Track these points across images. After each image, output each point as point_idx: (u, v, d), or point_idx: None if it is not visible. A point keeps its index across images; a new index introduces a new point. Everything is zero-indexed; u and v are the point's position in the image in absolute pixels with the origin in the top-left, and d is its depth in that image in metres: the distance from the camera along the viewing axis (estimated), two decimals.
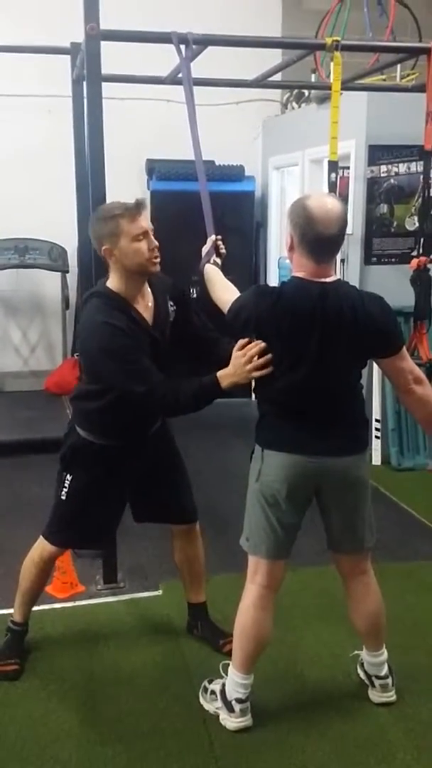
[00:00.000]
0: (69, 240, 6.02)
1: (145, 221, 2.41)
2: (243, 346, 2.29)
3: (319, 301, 2.22)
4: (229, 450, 5.16)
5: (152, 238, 2.43)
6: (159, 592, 3.31)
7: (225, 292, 2.47)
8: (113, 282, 2.47)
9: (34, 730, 2.45)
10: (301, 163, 5.66)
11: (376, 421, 4.90)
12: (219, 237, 2.80)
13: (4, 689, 2.64)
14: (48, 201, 5.91)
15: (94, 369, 2.53)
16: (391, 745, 2.38)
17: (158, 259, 2.44)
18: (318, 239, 2.22)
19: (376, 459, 4.89)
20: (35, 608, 3.03)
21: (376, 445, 4.90)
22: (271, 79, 4.43)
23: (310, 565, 3.29)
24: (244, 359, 2.27)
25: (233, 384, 2.33)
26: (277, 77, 4.74)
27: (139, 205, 2.40)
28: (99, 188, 3.15)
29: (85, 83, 3.29)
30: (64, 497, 2.67)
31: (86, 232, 3.79)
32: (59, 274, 6.22)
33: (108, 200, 3.20)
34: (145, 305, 2.51)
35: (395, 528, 3.97)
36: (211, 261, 2.74)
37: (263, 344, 2.24)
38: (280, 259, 6.12)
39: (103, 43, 3.03)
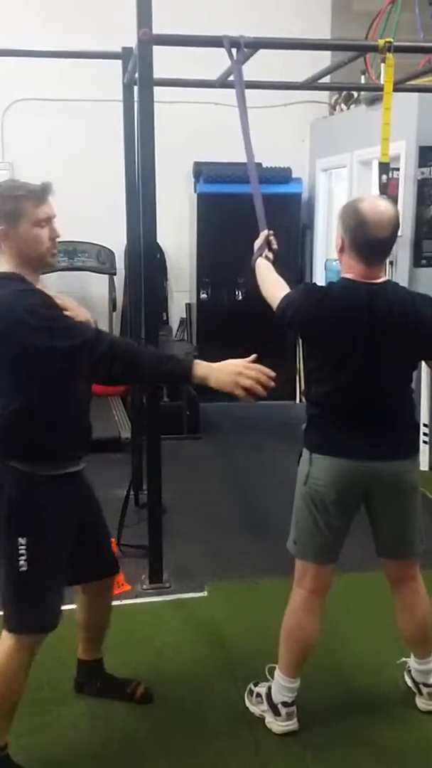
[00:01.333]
0: (116, 243, 6.11)
1: (49, 207, 2.15)
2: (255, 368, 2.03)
3: (367, 301, 2.21)
4: (273, 452, 5.16)
5: (55, 226, 2.17)
6: (204, 594, 3.31)
7: (275, 289, 2.45)
8: (9, 268, 2.14)
9: (79, 729, 2.47)
10: (350, 165, 5.63)
11: (424, 425, 4.85)
12: (271, 232, 2.77)
13: (51, 686, 2.65)
14: (96, 204, 5.99)
15: (16, 353, 2.02)
16: None
17: (56, 250, 2.19)
18: (369, 242, 2.21)
19: (424, 464, 4.82)
20: None
21: (424, 450, 4.84)
22: (320, 80, 4.41)
23: (356, 571, 3.26)
24: (248, 371, 2.00)
25: (206, 379, 2.02)
26: (326, 79, 4.72)
27: (45, 189, 2.14)
28: (149, 191, 3.18)
29: (136, 88, 3.33)
30: (24, 568, 2.09)
31: (135, 235, 3.86)
32: (107, 276, 6.30)
33: (158, 203, 3.24)
34: None
35: None
36: (263, 255, 2.72)
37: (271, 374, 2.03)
38: (327, 261, 6.09)
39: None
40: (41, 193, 2.13)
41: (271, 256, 2.72)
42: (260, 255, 2.71)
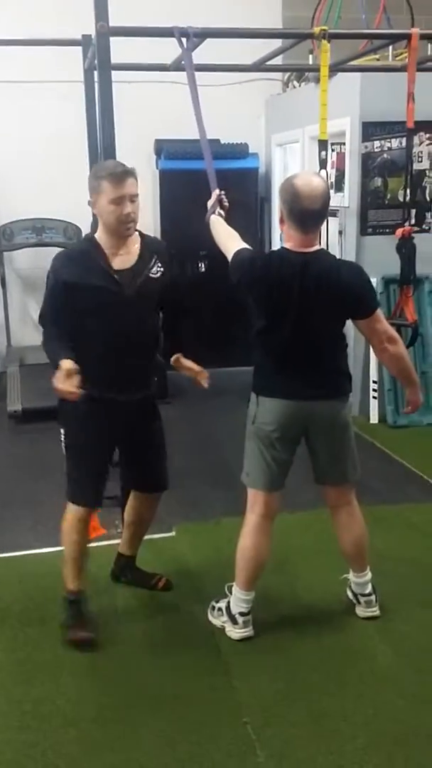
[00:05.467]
0: (82, 218, 6.37)
1: (126, 188, 2.64)
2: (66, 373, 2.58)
3: (301, 268, 2.56)
4: (237, 414, 5.36)
5: (128, 204, 2.65)
6: (173, 534, 3.69)
7: (228, 240, 2.81)
8: (98, 229, 2.77)
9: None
10: (302, 140, 5.94)
11: (374, 382, 5.24)
12: (222, 192, 3.08)
13: (56, 615, 3.03)
14: (61, 182, 6.23)
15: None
16: (374, 650, 2.77)
17: (130, 224, 2.69)
18: (303, 213, 2.55)
19: (374, 417, 5.23)
20: (60, 548, 3.43)
21: (373, 405, 5.24)
22: (271, 61, 4.70)
23: (309, 509, 3.64)
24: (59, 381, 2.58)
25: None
26: (279, 59, 5.00)
27: (124, 173, 2.65)
28: None
29: (96, 73, 3.61)
30: (64, 452, 2.91)
31: None
32: None
33: None
34: (126, 255, 2.75)
35: (388, 477, 4.38)
36: (216, 213, 3.02)
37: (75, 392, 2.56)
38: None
39: None
40: (120, 176, 2.65)
41: (223, 213, 3.02)
42: (213, 212, 3.01)
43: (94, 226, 2.89)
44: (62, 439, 2.91)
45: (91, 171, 2.77)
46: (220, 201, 3.06)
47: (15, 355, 6.53)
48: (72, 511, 2.90)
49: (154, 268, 2.81)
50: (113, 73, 3.44)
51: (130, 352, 2.77)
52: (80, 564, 2.92)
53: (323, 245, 4.23)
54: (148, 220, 6.87)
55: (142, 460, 3.01)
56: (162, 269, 2.83)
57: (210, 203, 3.07)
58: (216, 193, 3.08)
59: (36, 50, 5.57)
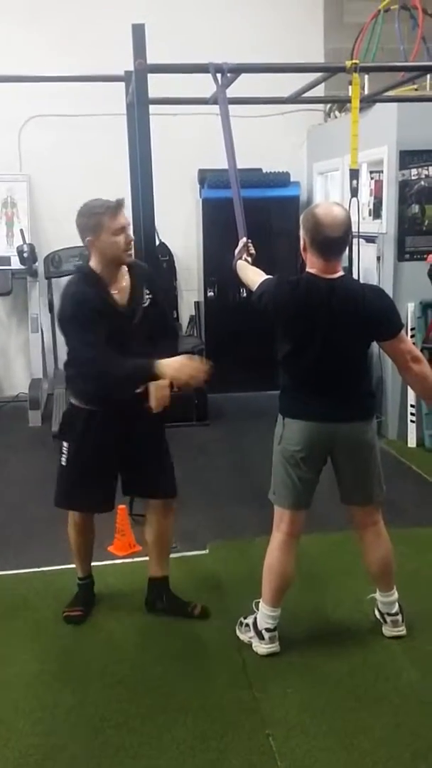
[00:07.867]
0: None
1: (123, 218, 2.77)
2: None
3: (327, 294, 2.65)
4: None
5: (129, 232, 2.80)
6: (206, 552, 3.77)
7: (255, 276, 2.92)
8: (93, 264, 2.84)
9: (101, 654, 2.95)
10: (341, 169, 6.03)
11: (412, 406, 5.26)
12: (249, 240, 3.23)
13: (90, 626, 3.16)
14: None
15: (64, 334, 2.88)
16: (399, 668, 2.80)
17: (132, 251, 2.82)
18: (325, 242, 2.65)
19: (412, 441, 5.25)
20: (100, 563, 3.53)
21: (411, 429, 5.26)
22: (311, 92, 4.83)
23: (339, 531, 3.68)
24: (194, 366, 2.64)
25: (168, 376, 2.66)
26: (320, 89, 5.11)
27: (119, 205, 2.76)
28: (148, 202, 3.63)
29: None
30: (64, 463, 3.01)
31: (138, 240, 4.32)
32: None
33: (162, 210, 3.68)
34: (120, 287, 2.88)
35: (424, 500, 4.39)
36: (243, 258, 3.17)
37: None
38: None
39: None
40: (116, 208, 2.75)
41: (249, 259, 3.17)
42: (240, 258, 3.16)
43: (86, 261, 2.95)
44: (63, 452, 3.02)
45: (80, 213, 2.80)
46: (246, 249, 3.18)
47: (61, 378, 6.71)
48: (70, 515, 3.18)
49: (144, 296, 2.95)
50: (158, 106, 3.60)
51: None
52: (82, 556, 3.24)
53: (359, 272, 4.34)
54: (192, 246, 7.06)
55: (149, 467, 3.06)
56: (150, 296, 2.96)
57: (237, 250, 3.21)
58: (243, 240, 3.22)
59: (83, 85, 5.83)
